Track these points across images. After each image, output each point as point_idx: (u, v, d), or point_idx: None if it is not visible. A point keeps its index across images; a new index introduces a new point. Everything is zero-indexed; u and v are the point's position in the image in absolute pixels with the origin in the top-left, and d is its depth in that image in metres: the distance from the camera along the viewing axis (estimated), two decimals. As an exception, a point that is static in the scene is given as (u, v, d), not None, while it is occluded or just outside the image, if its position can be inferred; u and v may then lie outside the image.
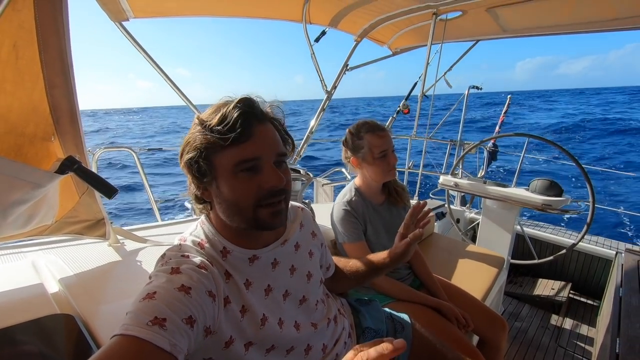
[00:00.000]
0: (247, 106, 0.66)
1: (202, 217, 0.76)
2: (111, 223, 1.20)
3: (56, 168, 0.85)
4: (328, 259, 1.01)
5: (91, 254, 1.14)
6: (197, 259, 0.66)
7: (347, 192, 1.40)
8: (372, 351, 0.47)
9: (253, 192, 0.65)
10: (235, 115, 0.64)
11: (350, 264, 1.04)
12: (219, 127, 0.63)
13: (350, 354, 0.49)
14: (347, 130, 1.40)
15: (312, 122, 2.78)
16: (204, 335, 0.62)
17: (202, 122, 0.66)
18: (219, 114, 0.64)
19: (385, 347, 0.47)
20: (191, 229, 0.75)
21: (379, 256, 0.96)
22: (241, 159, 0.64)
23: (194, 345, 0.59)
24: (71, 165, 0.86)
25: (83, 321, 0.78)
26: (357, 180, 1.43)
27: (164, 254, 0.69)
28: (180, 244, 0.71)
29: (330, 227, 1.76)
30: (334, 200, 3.35)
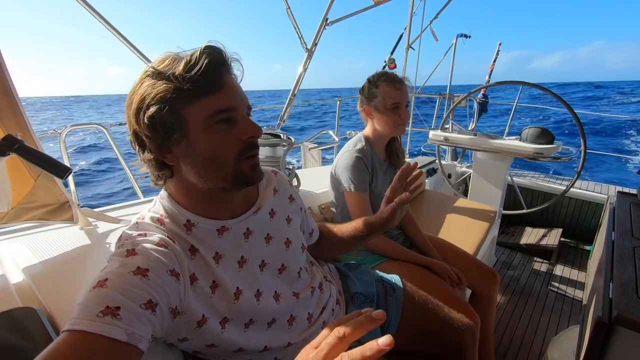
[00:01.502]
0: (217, 54, 0.59)
1: (161, 191, 0.69)
2: (78, 205, 1.12)
3: (-6, 150, 0.75)
4: (310, 224, 0.95)
5: (60, 239, 1.06)
6: (156, 237, 0.59)
7: (357, 141, 1.38)
8: (350, 324, 0.42)
9: (232, 144, 0.61)
10: (206, 62, 0.56)
11: (335, 229, 0.99)
12: (188, 75, 0.55)
13: (325, 330, 0.44)
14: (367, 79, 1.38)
15: (294, 84, 2.64)
16: (172, 318, 0.57)
17: (160, 73, 0.56)
18: (183, 62, 0.56)
19: (363, 319, 0.42)
20: (150, 206, 0.68)
21: (365, 221, 0.91)
22: (218, 109, 0.58)
23: (160, 329, 0.54)
24: (11, 145, 0.76)
25: (47, 314, 0.73)
26: (366, 131, 1.42)
27: (121, 235, 0.62)
28: (137, 222, 0.64)
29: (318, 192, 1.71)
30: (322, 164, 3.27)
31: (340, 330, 0.41)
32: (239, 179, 0.63)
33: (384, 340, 0.38)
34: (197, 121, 0.58)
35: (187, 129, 0.58)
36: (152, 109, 0.56)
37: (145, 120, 0.56)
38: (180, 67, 0.56)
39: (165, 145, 0.59)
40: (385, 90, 1.29)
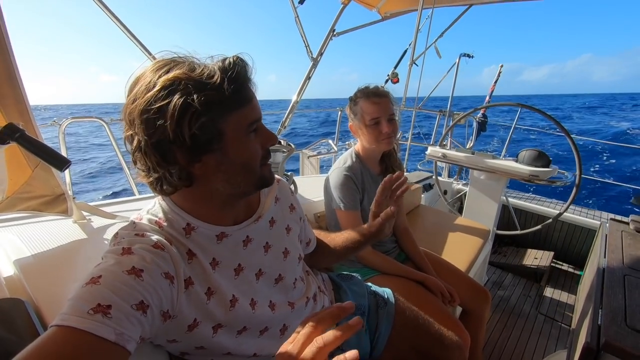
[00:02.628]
0: (247, 67, 0.61)
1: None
2: (73, 198, 1.11)
3: (-5, 137, 0.75)
4: (308, 234, 0.95)
5: (54, 232, 1.05)
6: (153, 238, 0.59)
7: (347, 158, 1.37)
8: (328, 334, 0.45)
9: (259, 151, 0.65)
10: (242, 75, 0.59)
11: (329, 238, 1.00)
12: (230, 87, 0.56)
13: (299, 327, 0.49)
14: None
15: (297, 91, 2.65)
16: (162, 320, 0.56)
17: (200, 81, 0.54)
18: (218, 73, 0.56)
19: (342, 328, 0.45)
20: (149, 207, 0.67)
21: (357, 232, 0.91)
22: (252, 120, 0.61)
23: (149, 331, 0.53)
24: (12, 134, 0.76)
25: (35, 306, 0.72)
26: (357, 146, 1.42)
27: (117, 233, 0.62)
28: (134, 222, 0.63)
29: (315, 200, 1.71)
30: (320, 173, 3.28)
31: (318, 341, 0.44)
32: (263, 182, 0.67)
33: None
34: (236, 130, 0.59)
35: (225, 139, 0.58)
36: (203, 118, 0.54)
37: (196, 130, 0.54)
38: (217, 78, 0.55)
39: (199, 155, 0.58)
40: (363, 107, 1.29)
